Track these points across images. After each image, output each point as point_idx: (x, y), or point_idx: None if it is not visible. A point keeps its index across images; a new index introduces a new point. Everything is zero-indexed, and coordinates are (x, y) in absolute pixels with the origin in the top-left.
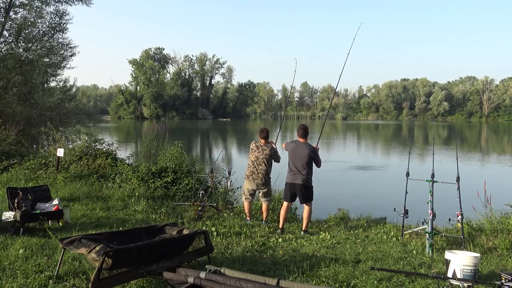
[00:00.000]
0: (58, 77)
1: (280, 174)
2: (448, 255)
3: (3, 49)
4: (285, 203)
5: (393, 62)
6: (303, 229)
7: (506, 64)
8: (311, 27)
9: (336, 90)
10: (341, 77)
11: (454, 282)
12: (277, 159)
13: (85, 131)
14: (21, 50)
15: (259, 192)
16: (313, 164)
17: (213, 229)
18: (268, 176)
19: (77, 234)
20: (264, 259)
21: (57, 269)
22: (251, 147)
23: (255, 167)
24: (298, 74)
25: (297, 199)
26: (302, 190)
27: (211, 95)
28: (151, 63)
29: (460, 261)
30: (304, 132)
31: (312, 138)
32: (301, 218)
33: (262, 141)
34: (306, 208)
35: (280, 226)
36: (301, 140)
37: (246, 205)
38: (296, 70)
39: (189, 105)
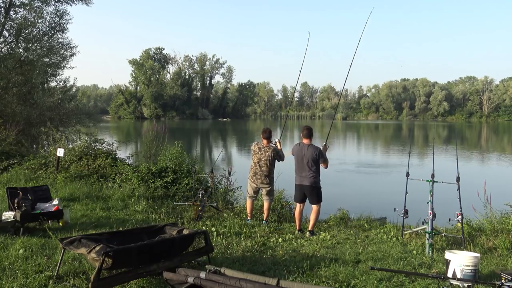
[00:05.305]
0: (58, 77)
1: (281, 173)
2: (448, 255)
3: (3, 49)
4: (297, 205)
5: (393, 62)
6: (309, 229)
7: (506, 64)
8: (311, 27)
9: (340, 89)
10: (349, 70)
11: (454, 282)
12: (280, 159)
13: (85, 131)
14: (21, 50)
15: (262, 189)
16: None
17: (213, 229)
18: (271, 176)
19: (77, 234)
20: (264, 259)
21: (57, 269)
22: (253, 148)
23: (258, 168)
24: (297, 74)
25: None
26: (311, 191)
27: (211, 95)
28: (151, 63)
29: (460, 261)
30: (308, 132)
31: (315, 138)
32: (307, 219)
33: (265, 141)
34: (314, 209)
35: (297, 228)
36: (305, 141)
37: (248, 203)
38: (307, 48)
39: (189, 105)
